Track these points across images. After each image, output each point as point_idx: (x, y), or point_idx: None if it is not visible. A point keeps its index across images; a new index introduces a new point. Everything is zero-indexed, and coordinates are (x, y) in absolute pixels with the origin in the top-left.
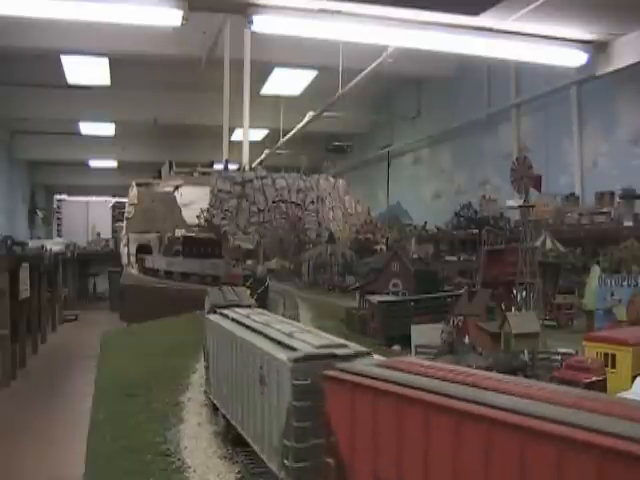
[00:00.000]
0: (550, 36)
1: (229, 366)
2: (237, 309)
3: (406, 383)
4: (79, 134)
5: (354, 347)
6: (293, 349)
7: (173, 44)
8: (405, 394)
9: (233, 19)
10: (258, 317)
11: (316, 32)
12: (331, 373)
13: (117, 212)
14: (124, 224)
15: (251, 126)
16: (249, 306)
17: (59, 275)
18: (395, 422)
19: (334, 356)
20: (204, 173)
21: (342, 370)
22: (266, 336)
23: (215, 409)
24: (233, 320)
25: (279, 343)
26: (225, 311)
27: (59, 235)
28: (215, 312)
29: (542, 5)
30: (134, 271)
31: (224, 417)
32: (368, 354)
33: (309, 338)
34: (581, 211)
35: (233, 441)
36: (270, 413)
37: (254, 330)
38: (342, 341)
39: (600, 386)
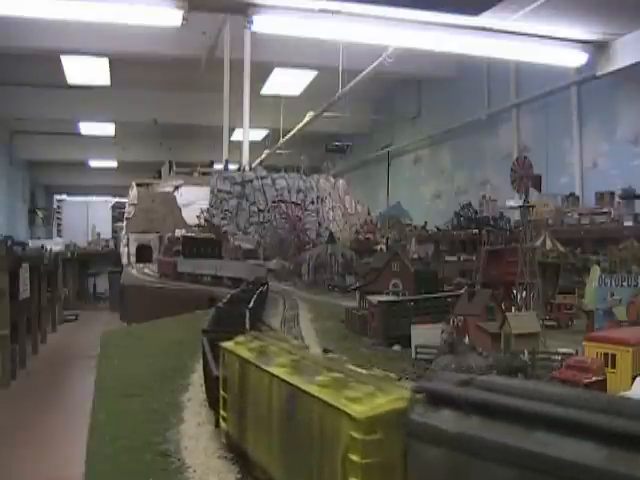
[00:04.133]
0: (550, 36)
1: None
2: None
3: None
4: (79, 134)
5: None
6: None
7: (173, 44)
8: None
9: (233, 19)
10: None
11: (316, 32)
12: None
13: (117, 212)
14: (124, 224)
15: (251, 126)
16: None
17: (59, 275)
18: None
19: None
20: (204, 173)
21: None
22: None
23: None
24: None
25: None
26: None
27: (59, 235)
28: None
29: (542, 5)
30: (154, 279)
31: None
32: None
33: None
34: (581, 211)
35: None
36: None
37: None
38: None
39: (600, 386)
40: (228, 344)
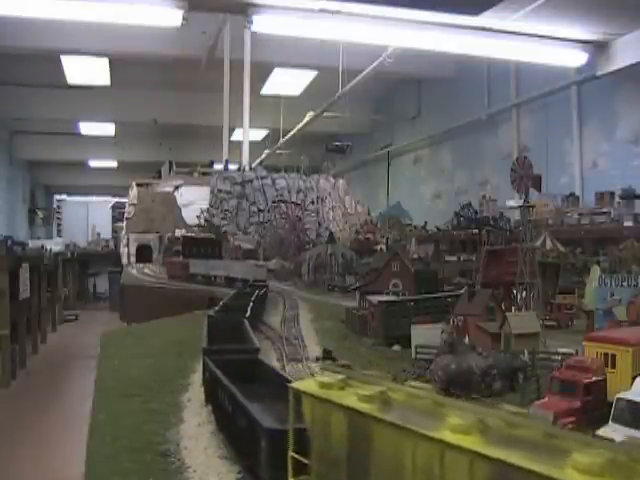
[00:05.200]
0: (550, 36)
1: None
2: None
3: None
4: (79, 134)
5: None
6: None
7: (173, 44)
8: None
9: (233, 19)
10: None
11: (316, 32)
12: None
13: (117, 212)
14: (124, 224)
15: (251, 126)
16: None
17: (59, 275)
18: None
19: None
20: (204, 173)
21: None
22: None
23: None
24: None
25: None
26: None
27: (59, 235)
28: None
29: (542, 5)
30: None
31: None
32: None
33: None
34: (581, 211)
35: None
36: None
37: None
38: None
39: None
40: (307, 386)
